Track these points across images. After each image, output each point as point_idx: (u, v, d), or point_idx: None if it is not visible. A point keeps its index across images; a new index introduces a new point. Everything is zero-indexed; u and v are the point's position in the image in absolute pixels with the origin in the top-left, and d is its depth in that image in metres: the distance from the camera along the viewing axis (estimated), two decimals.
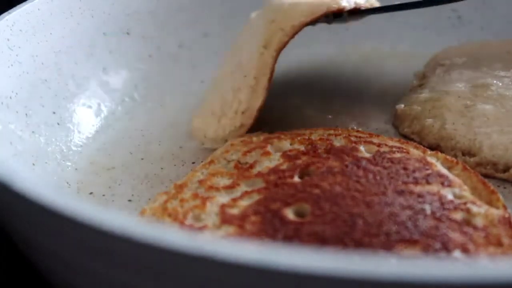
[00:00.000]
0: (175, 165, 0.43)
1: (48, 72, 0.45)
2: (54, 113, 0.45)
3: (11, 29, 0.43)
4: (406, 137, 0.45)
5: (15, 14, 0.44)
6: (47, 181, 0.40)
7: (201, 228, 0.33)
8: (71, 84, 0.47)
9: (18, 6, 0.44)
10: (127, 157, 0.45)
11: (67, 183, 0.41)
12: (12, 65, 0.42)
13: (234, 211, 0.34)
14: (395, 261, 0.20)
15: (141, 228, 0.22)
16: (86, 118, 0.47)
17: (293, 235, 0.31)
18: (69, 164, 0.43)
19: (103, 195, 0.40)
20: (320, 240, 0.31)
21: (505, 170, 0.40)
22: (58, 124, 0.45)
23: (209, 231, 0.33)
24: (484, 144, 0.40)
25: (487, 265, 0.20)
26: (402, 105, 0.47)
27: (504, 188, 0.40)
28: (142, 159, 0.44)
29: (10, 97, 0.41)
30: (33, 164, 0.40)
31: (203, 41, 0.56)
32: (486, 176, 0.40)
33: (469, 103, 0.44)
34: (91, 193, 0.41)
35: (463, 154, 0.41)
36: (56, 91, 0.46)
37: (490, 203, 0.35)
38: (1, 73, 0.41)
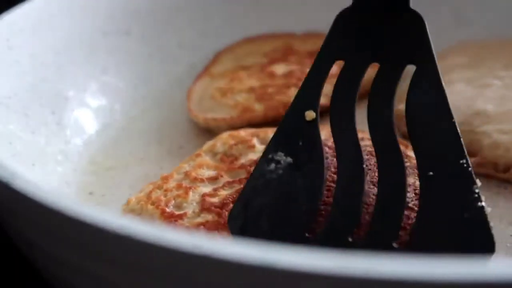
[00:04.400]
0: (175, 165, 0.43)
1: (48, 72, 0.45)
2: (54, 113, 0.45)
3: (11, 29, 0.43)
4: (406, 137, 0.44)
5: (15, 14, 0.44)
6: (47, 181, 0.40)
7: (181, 216, 0.34)
8: (70, 84, 0.47)
9: (18, 6, 0.44)
10: (127, 157, 0.45)
11: (67, 183, 0.41)
12: (12, 65, 0.42)
13: (214, 199, 0.35)
14: (395, 261, 0.20)
15: (141, 228, 0.22)
16: (86, 118, 0.47)
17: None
18: (69, 164, 0.43)
19: (103, 195, 0.40)
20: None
21: (506, 170, 0.40)
22: (58, 124, 0.45)
23: (188, 219, 0.34)
24: (484, 144, 0.40)
25: (486, 265, 0.20)
26: (403, 105, 0.47)
27: (505, 188, 0.39)
28: (142, 159, 0.44)
29: (10, 97, 0.41)
30: (33, 164, 0.40)
31: (202, 41, 0.56)
32: (486, 176, 0.40)
33: (469, 103, 0.44)
34: (91, 193, 0.41)
35: None
36: (56, 91, 0.46)
37: None
38: (1, 73, 0.41)
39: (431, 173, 0.32)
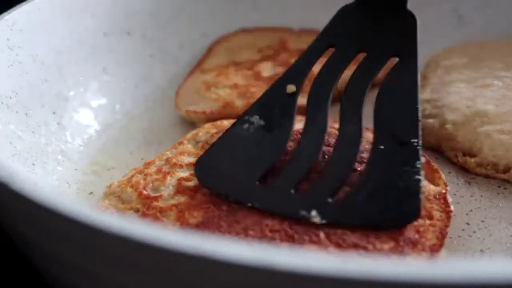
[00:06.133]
0: None
1: (48, 72, 0.45)
2: (54, 113, 0.45)
3: (11, 29, 0.43)
4: (430, 148, 0.44)
5: (15, 14, 0.44)
6: (47, 181, 0.40)
7: (157, 198, 0.36)
8: (71, 84, 0.47)
9: (18, 6, 0.44)
10: (127, 157, 0.45)
11: (67, 183, 0.41)
12: (12, 65, 0.42)
13: (190, 183, 0.37)
14: (394, 262, 0.20)
15: (140, 228, 0.22)
16: (87, 118, 0.47)
17: (236, 204, 0.34)
18: (69, 164, 0.43)
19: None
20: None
21: (506, 170, 0.40)
22: (58, 124, 0.45)
23: (162, 200, 0.36)
24: (484, 145, 0.40)
25: (486, 266, 0.20)
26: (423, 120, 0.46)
27: (505, 188, 0.39)
28: (142, 159, 0.44)
29: (10, 97, 0.41)
30: (33, 164, 0.40)
31: (203, 41, 0.56)
32: (487, 176, 0.40)
33: (469, 103, 0.44)
34: (91, 193, 0.41)
35: (464, 155, 0.41)
36: (56, 91, 0.46)
37: (432, 181, 0.37)
38: (1, 73, 0.41)
39: (382, 146, 0.35)
